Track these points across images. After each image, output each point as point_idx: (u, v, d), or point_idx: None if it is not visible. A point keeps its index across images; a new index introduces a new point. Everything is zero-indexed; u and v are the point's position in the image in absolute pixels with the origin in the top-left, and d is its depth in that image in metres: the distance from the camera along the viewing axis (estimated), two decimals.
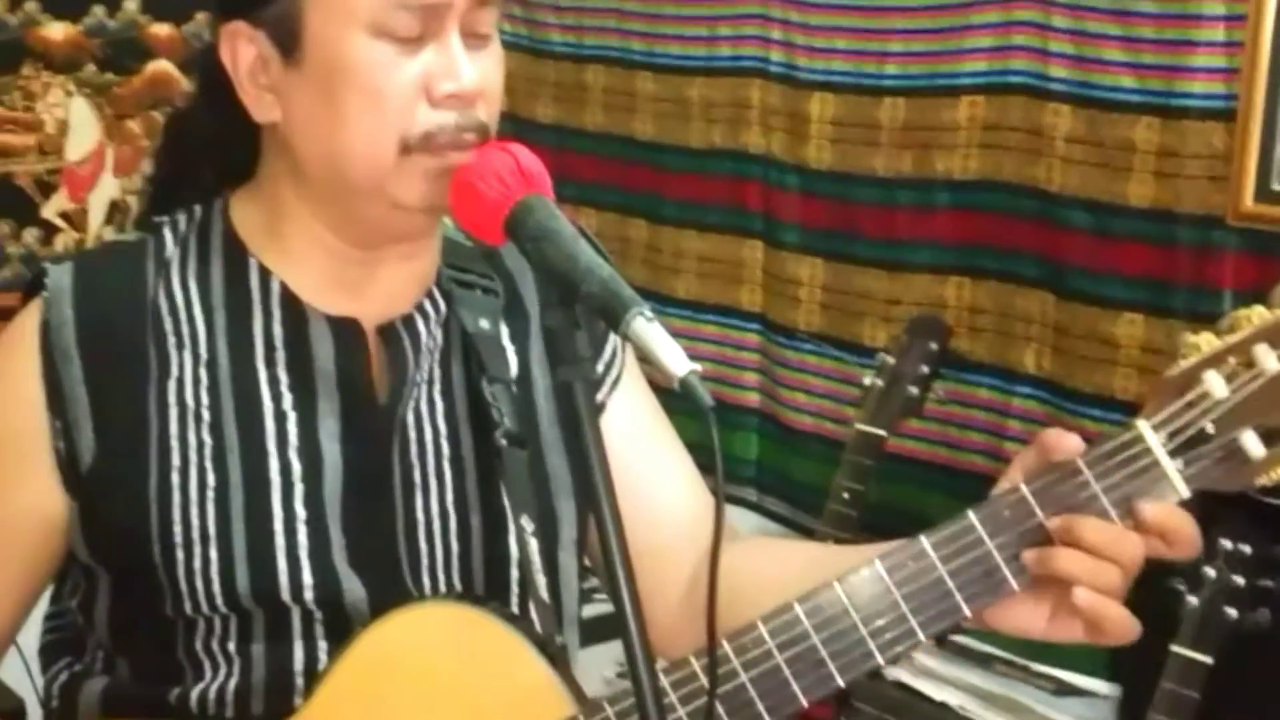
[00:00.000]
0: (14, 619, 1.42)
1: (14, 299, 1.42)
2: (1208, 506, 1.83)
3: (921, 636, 1.24)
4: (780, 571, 1.39)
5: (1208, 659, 1.89)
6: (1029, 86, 2.46)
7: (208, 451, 1.35)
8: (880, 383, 2.35)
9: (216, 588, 1.33)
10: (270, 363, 1.38)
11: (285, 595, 1.34)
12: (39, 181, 3.20)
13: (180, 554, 1.33)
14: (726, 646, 1.24)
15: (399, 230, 1.37)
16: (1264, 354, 1.19)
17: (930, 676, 2.28)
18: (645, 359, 1.10)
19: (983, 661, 2.27)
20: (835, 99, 2.75)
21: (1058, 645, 2.19)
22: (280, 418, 1.37)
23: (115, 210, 3.27)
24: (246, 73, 1.35)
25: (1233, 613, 1.89)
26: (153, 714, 1.36)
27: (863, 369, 2.47)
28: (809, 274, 2.83)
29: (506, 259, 1.50)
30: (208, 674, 1.35)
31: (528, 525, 1.38)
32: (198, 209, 1.44)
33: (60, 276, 1.38)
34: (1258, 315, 1.20)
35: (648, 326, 1.08)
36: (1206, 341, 1.21)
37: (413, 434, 1.41)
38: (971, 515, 1.24)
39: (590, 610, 1.53)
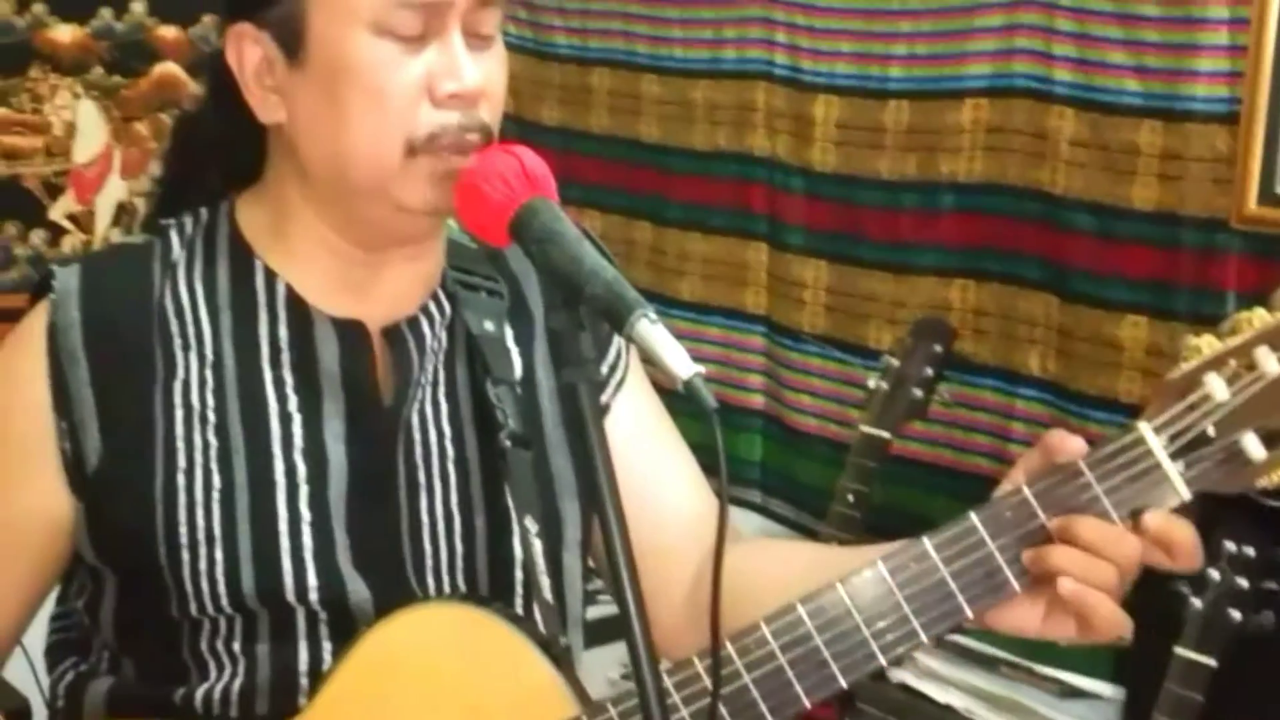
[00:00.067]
0: (20, 619, 1.43)
1: (21, 300, 1.42)
2: (1212, 509, 1.83)
3: (924, 637, 1.24)
4: (783, 572, 1.39)
5: (1211, 661, 1.89)
6: (1033, 90, 2.46)
7: (213, 453, 1.36)
8: (885, 385, 2.35)
9: (222, 588, 1.33)
10: (276, 364, 1.39)
11: (290, 596, 1.34)
12: (46, 183, 3.21)
13: (186, 555, 1.34)
14: (729, 647, 1.25)
15: (402, 232, 1.37)
16: (1265, 356, 1.19)
17: (934, 678, 2.29)
18: (649, 361, 1.10)
19: (987, 664, 2.27)
20: (840, 102, 2.75)
21: (1062, 647, 2.21)
22: (285, 419, 1.38)
23: (122, 212, 3.27)
24: (252, 74, 1.35)
25: (1236, 615, 1.88)
26: (158, 714, 1.36)
27: (867, 371, 2.47)
28: (814, 276, 2.84)
29: (511, 261, 1.50)
30: (212, 674, 1.35)
31: (531, 526, 1.39)
32: (204, 211, 1.44)
33: (67, 278, 1.39)
34: (1259, 318, 1.20)
35: (651, 328, 1.09)
36: (1208, 344, 1.22)
37: (417, 435, 1.41)
38: (973, 516, 1.24)
39: (595, 612, 1.54)
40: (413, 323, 1.42)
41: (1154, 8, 2.29)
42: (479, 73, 1.32)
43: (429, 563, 1.40)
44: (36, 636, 1.49)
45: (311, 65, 1.32)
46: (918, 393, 2.33)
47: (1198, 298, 2.28)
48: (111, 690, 1.40)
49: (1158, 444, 1.21)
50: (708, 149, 3.01)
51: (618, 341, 1.52)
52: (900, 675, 2.30)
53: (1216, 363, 1.21)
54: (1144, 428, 1.22)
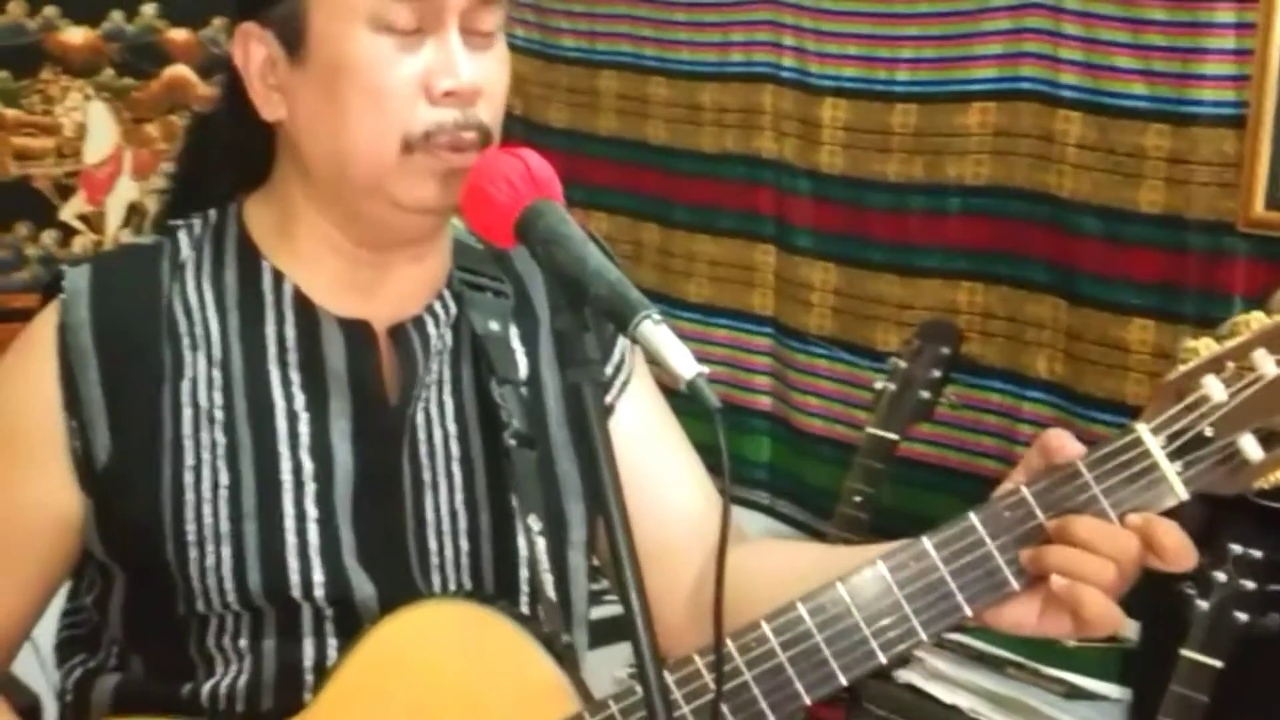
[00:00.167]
0: (30, 615, 1.44)
1: (32, 300, 1.43)
2: (1218, 512, 1.84)
3: (923, 635, 1.24)
4: (786, 572, 1.39)
5: (1217, 663, 1.88)
6: (1040, 93, 2.46)
7: (220, 451, 1.37)
8: (892, 387, 2.35)
9: (229, 585, 1.34)
10: (283, 364, 1.40)
11: (296, 593, 1.35)
12: (57, 184, 3.22)
13: (193, 552, 1.35)
14: (730, 645, 1.25)
15: (403, 231, 1.38)
16: (1262, 359, 1.20)
17: (940, 679, 2.28)
18: (653, 361, 1.11)
19: (993, 664, 2.27)
20: (847, 104, 2.75)
21: (1069, 649, 2.22)
22: (292, 418, 1.39)
23: (133, 213, 3.29)
24: (256, 72, 1.37)
25: (1242, 617, 1.88)
26: (164, 710, 1.37)
27: (874, 373, 2.47)
28: (821, 278, 2.84)
29: (517, 262, 1.51)
30: (219, 670, 1.36)
31: (535, 525, 1.40)
32: (212, 213, 1.45)
33: (77, 279, 1.40)
34: (1256, 320, 1.21)
35: (655, 329, 1.09)
36: (1206, 346, 1.22)
37: (422, 434, 1.42)
38: (973, 516, 1.25)
39: (600, 612, 1.54)
40: (418, 322, 1.43)
41: (1161, 12, 2.29)
42: (476, 71, 1.33)
43: (434, 560, 1.40)
44: (48, 634, 1.50)
45: (311, 63, 1.34)
46: (924, 395, 2.33)
47: (1204, 301, 2.29)
48: (118, 686, 1.41)
49: (1156, 445, 1.22)
50: (715, 151, 3.02)
51: (623, 342, 1.52)
52: (907, 676, 2.30)
53: (1214, 365, 1.22)
54: (1142, 429, 1.23)
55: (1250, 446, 1.21)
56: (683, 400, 1.10)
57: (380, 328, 1.42)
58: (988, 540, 1.24)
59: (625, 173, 3.19)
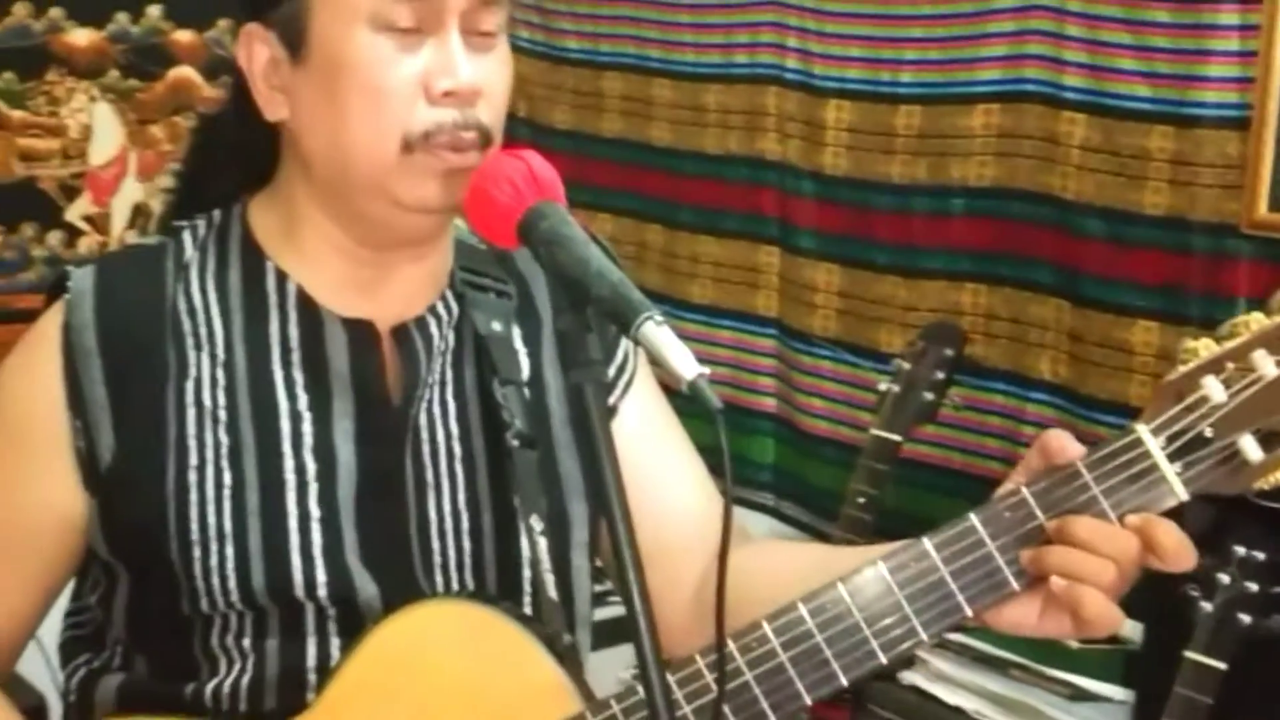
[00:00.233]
0: (34, 613, 1.45)
1: (38, 301, 1.44)
2: (1222, 514, 1.84)
3: (923, 635, 1.25)
4: (788, 573, 1.40)
5: (1221, 665, 1.88)
6: (1044, 95, 2.46)
7: (224, 451, 1.37)
8: (896, 388, 2.35)
9: (232, 584, 1.35)
10: (286, 364, 1.40)
11: (299, 592, 1.35)
12: (63, 185, 3.22)
13: (197, 551, 1.35)
14: (732, 645, 1.26)
15: (405, 231, 1.39)
16: (1262, 359, 1.20)
17: (945, 681, 2.28)
18: (655, 362, 1.11)
19: (998, 666, 2.27)
20: (851, 106, 2.75)
21: (1073, 650, 2.22)
22: (296, 418, 1.39)
23: (138, 214, 3.29)
24: (260, 73, 1.38)
25: (1246, 619, 1.88)
26: (168, 709, 1.37)
27: (878, 374, 2.47)
28: (825, 280, 2.84)
29: (519, 263, 1.52)
30: (222, 669, 1.37)
31: (536, 525, 1.40)
32: (216, 214, 1.46)
33: (82, 279, 1.40)
34: (1256, 321, 1.21)
35: (657, 330, 1.09)
36: (1205, 347, 1.23)
37: (425, 434, 1.42)
38: (973, 517, 1.25)
39: (604, 614, 1.54)
40: (421, 323, 1.44)
41: (1165, 14, 2.29)
42: (476, 72, 1.33)
43: (437, 560, 1.41)
44: (54, 634, 1.50)
45: (313, 63, 1.34)
46: (928, 396, 2.34)
47: (1208, 303, 2.28)
48: (122, 686, 1.41)
49: (1155, 445, 1.22)
50: (719, 153, 3.02)
51: (625, 343, 1.52)
52: (911, 677, 2.31)
53: (1214, 365, 1.22)
54: (1142, 429, 1.23)
55: (1250, 447, 1.21)
56: (685, 401, 1.11)
57: (383, 328, 1.42)
58: (988, 541, 1.24)
59: (630, 174, 3.19)
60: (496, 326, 1.46)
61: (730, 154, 3.00)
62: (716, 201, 3.04)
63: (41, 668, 1.72)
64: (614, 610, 1.30)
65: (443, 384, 1.44)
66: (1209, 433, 1.22)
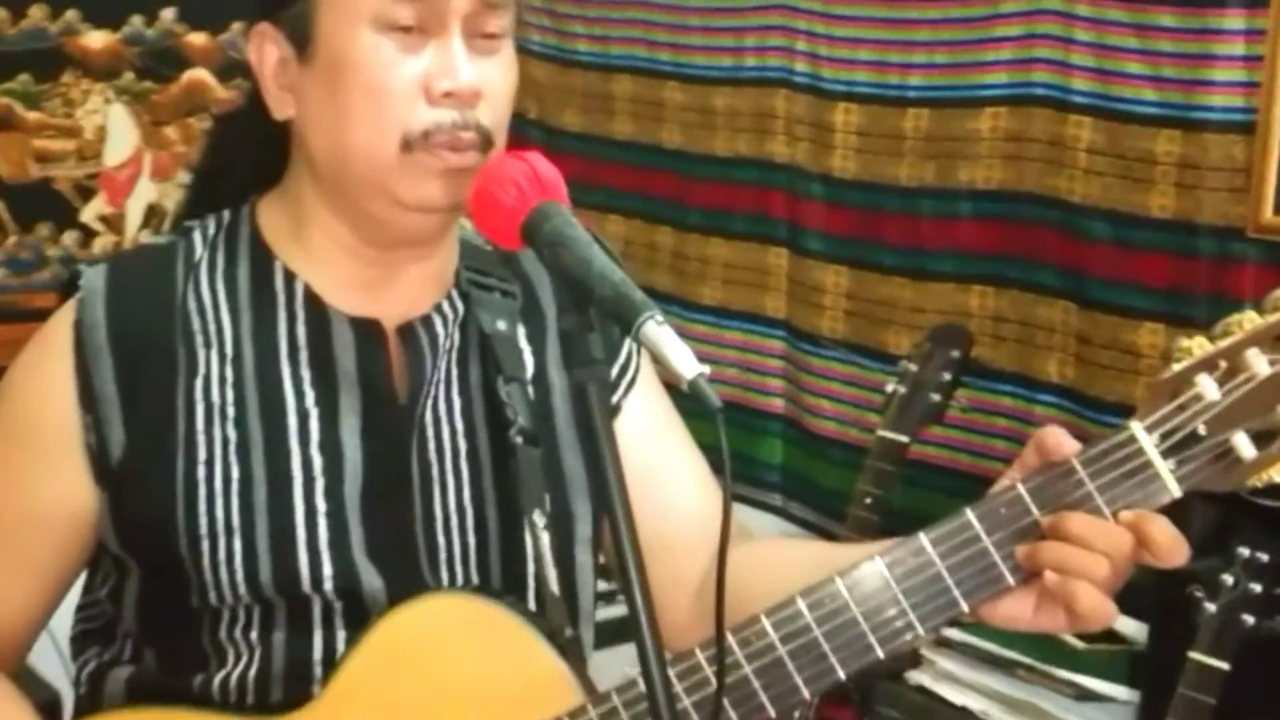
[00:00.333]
0: (45, 608, 1.46)
1: (53, 300, 1.45)
2: (1226, 515, 1.84)
3: (920, 630, 1.26)
4: (787, 568, 1.40)
5: (1225, 665, 1.89)
6: (1051, 99, 2.47)
7: (232, 447, 1.39)
8: (903, 389, 2.35)
9: (240, 578, 1.36)
10: (294, 362, 1.42)
11: (306, 586, 1.37)
12: (78, 186, 3.24)
13: (205, 545, 1.37)
14: (731, 639, 1.27)
15: (408, 231, 1.40)
16: (1255, 358, 1.21)
17: (951, 681, 2.29)
18: (657, 361, 1.12)
19: (1003, 666, 2.27)
20: (859, 109, 2.76)
21: (1078, 651, 2.22)
22: (303, 415, 1.40)
23: (152, 214, 3.31)
24: (269, 73, 1.39)
25: (1250, 620, 1.89)
26: (176, 701, 1.39)
27: (886, 376, 2.47)
28: (833, 282, 2.85)
29: (524, 263, 1.53)
30: (230, 662, 1.38)
31: (539, 520, 1.41)
32: (226, 213, 1.47)
33: (94, 278, 1.42)
34: (1249, 320, 1.22)
35: (658, 330, 1.10)
36: (1199, 345, 1.24)
37: (430, 432, 1.44)
38: (969, 513, 1.27)
39: (608, 612, 1.55)
40: (426, 321, 1.45)
41: (1171, 18, 2.30)
42: (477, 74, 1.35)
43: (442, 555, 1.42)
44: (65, 628, 1.52)
45: (318, 62, 1.36)
46: (935, 397, 2.34)
47: (1214, 305, 2.28)
48: (132, 678, 1.43)
49: (1149, 442, 1.23)
50: (729, 155, 3.03)
51: (629, 343, 1.53)
52: (917, 677, 2.31)
53: (1207, 364, 1.23)
54: (1136, 426, 1.24)
55: (1243, 444, 1.22)
56: (689, 401, 1.12)
57: (389, 326, 1.43)
58: (984, 536, 1.26)
59: (640, 176, 3.20)
60: (501, 325, 1.47)
61: (740, 156, 3.01)
62: (726, 203, 3.05)
63: (55, 662, 1.73)
64: (619, 609, 1.31)
65: (448, 382, 1.46)
66: (1202, 430, 1.22)
